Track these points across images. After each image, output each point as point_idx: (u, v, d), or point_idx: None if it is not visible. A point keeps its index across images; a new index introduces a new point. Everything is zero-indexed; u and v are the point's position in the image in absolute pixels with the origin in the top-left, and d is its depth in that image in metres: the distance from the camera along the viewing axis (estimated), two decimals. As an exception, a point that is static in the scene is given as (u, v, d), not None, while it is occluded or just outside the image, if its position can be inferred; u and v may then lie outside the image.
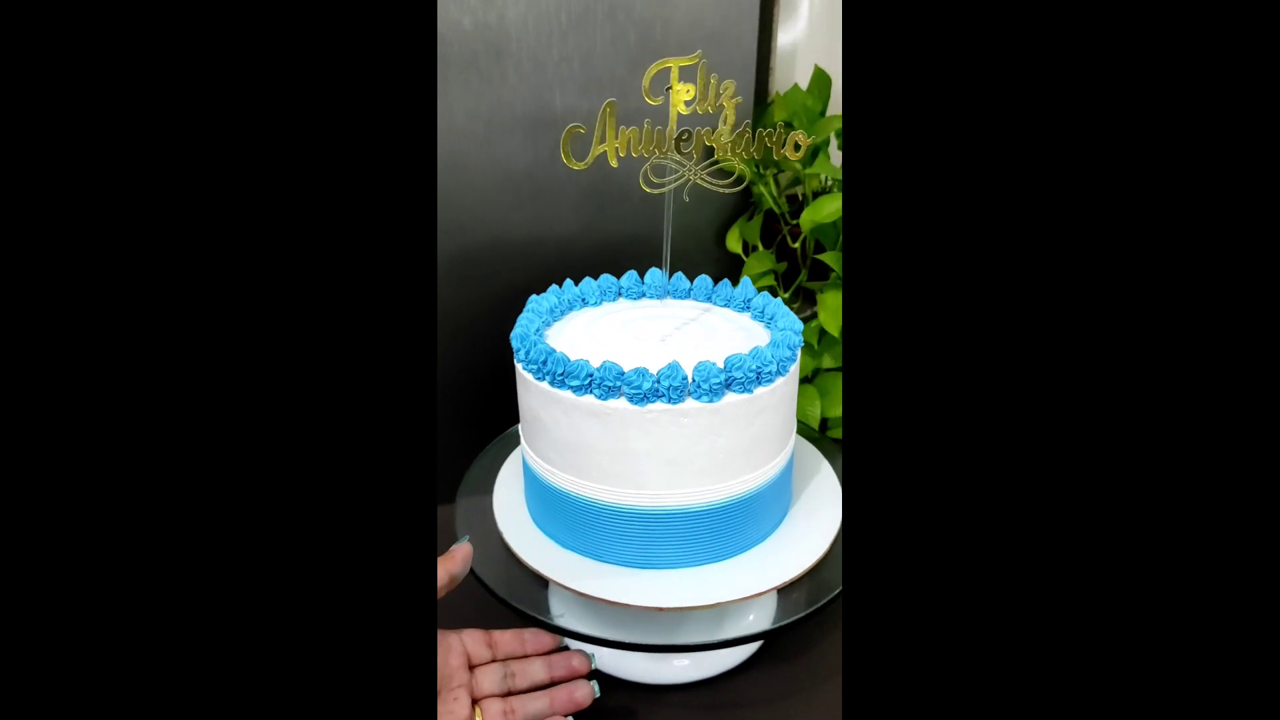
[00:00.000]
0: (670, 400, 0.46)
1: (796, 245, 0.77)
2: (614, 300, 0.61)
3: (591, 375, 0.46)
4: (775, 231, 0.79)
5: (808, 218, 0.71)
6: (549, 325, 0.57)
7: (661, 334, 0.54)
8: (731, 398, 0.47)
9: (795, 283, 0.79)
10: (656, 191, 0.50)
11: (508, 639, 0.50)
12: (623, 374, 0.46)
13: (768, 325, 0.56)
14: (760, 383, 0.48)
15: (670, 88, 0.47)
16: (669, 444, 0.47)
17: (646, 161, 0.49)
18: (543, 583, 0.51)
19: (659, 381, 0.45)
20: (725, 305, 0.60)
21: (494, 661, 0.49)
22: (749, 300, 0.59)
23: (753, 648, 0.58)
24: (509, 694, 0.48)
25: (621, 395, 0.46)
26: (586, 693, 0.50)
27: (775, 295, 0.78)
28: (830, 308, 0.73)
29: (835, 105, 0.76)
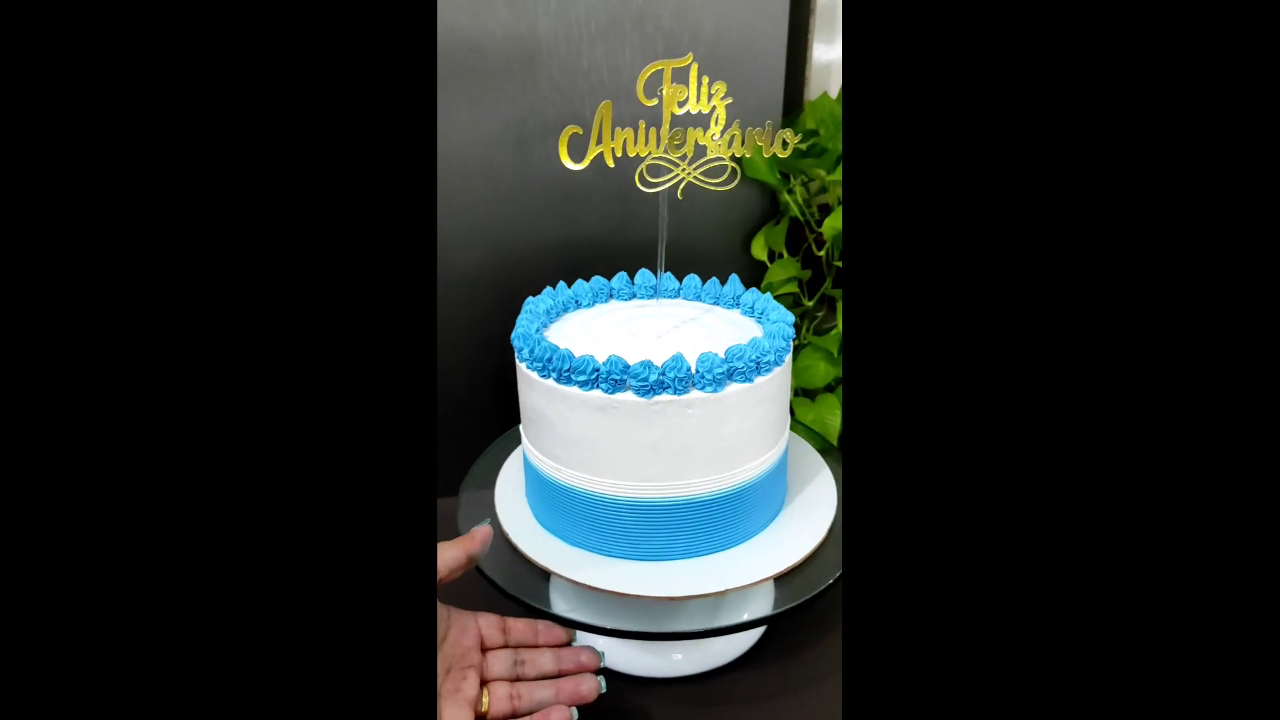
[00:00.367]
0: (676, 391, 0.47)
1: (821, 253, 0.78)
2: (606, 301, 0.63)
3: (598, 370, 0.47)
4: (801, 239, 0.79)
5: (830, 225, 0.72)
6: (546, 326, 0.58)
7: (657, 331, 0.55)
8: (734, 387, 0.48)
9: (819, 291, 0.80)
10: (652, 191, 0.52)
11: (521, 627, 0.51)
12: (629, 367, 0.47)
13: (759, 320, 0.58)
14: (760, 372, 0.49)
15: (663, 89, 0.49)
16: (675, 435, 0.48)
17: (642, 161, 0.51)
18: (544, 576, 0.52)
19: (664, 373, 0.47)
20: (715, 303, 0.62)
21: (506, 647, 0.50)
22: (738, 297, 0.61)
23: (747, 645, 0.60)
24: (517, 680, 0.49)
25: (628, 388, 0.47)
26: (592, 686, 0.50)
27: (799, 303, 0.80)
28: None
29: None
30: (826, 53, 0.82)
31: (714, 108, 0.50)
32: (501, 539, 0.55)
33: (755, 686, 0.57)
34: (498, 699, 0.47)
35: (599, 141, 0.49)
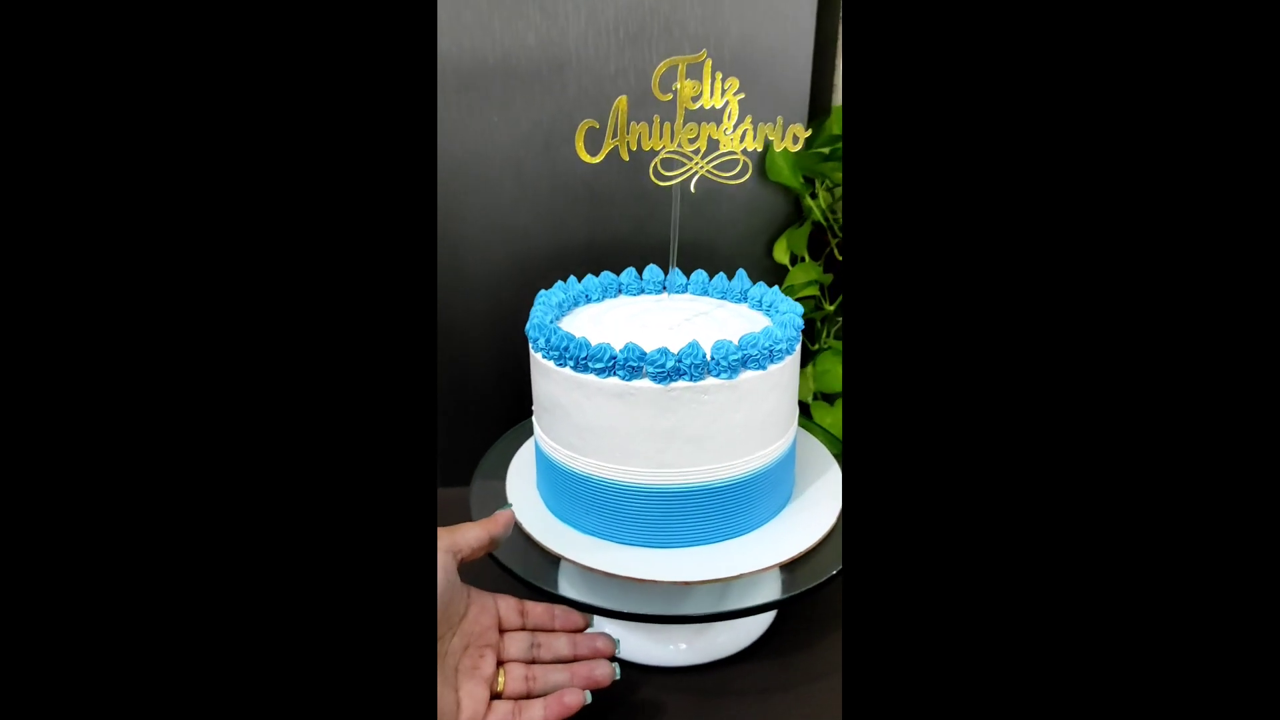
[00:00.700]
0: (692, 378, 0.48)
1: (843, 258, 0.79)
2: (615, 296, 0.64)
3: (615, 357, 0.48)
4: (824, 244, 0.80)
5: None
6: (558, 319, 0.58)
7: (669, 324, 0.56)
8: (748, 374, 0.49)
9: (840, 295, 0.80)
10: (665, 184, 0.53)
11: (539, 611, 0.51)
12: (645, 354, 0.48)
13: (767, 312, 0.59)
14: (773, 359, 0.50)
15: (678, 84, 0.50)
16: (691, 421, 0.49)
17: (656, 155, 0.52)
18: (555, 562, 0.53)
19: (681, 360, 0.48)
20: (723, 298, 0.63)
21: (523, 630, 0.51)
22: (746, 291, 0.62)
23: (751, 639, 0.60)
24: (533, 662, 0.50)
25: (645, 375, 0.48)
26: (607, 672, 0.51)
27: (820, 307, 0.80)
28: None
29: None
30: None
31: (726, 103, 0.52)
32: (513, 527, 0.55)
33: (757, 680, 0.57)
34: (513, 679, 0.48)
35: (614, 135, 0.50)
